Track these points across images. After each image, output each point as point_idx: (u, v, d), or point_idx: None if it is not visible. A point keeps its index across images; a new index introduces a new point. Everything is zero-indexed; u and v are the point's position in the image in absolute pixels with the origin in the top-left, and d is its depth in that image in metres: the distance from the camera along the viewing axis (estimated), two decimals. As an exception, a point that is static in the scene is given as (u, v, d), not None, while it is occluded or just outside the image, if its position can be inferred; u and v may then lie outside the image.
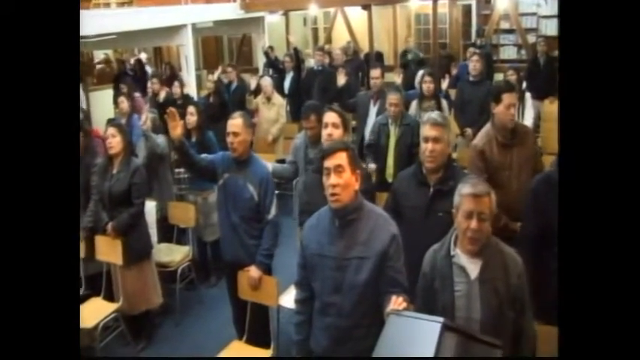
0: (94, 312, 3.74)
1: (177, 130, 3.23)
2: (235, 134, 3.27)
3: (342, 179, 2.15)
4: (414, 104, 5.37)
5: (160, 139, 4.76)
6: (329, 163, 2.17)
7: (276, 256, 3.39)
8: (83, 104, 6.90)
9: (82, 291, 3.98)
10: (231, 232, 3.37)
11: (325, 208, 2.30)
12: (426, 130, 2.72)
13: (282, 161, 4.90)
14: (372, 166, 4.45)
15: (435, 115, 2.82)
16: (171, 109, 3.27)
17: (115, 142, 3.82)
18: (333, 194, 2.15)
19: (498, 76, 8.11)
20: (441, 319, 1.69)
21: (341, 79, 5.81)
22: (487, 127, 3.35)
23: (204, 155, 3.57)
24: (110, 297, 3.90)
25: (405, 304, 1.92)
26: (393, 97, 4.44)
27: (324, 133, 3.20)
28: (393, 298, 1.95)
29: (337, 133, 3.17)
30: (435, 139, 2.69)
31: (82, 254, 3.96)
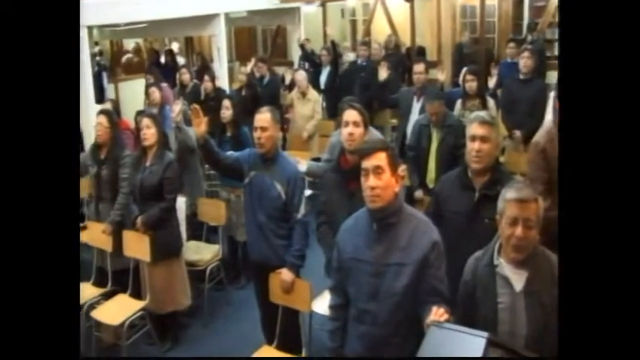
0: (120, 309, 3.86)
1: (201, 127, 3.30)
2: (263, 129, 3.32)
3: (381, 181, 2.15)
4: (458, 104, 5.33)
5: (192, 132, 4.85)
6: (367, 163, 2.17)
7: (308, 259, 3.42)
8: (112, 94, 7.08)
9: (108, 286, 4.12)
10: (258, 231, 3.43)
11: (363, 210, 2.31)
12: (473, 129, 2.70)
13: (317, 159, 4.96)
14: (404, 167, 4.44)
15: (483, 113, 2.81)
16: (195, 106, 3.34)
17: (150, 134, 3.93)
18: (372, 196, 2.17)
19: (551, 74, 7.97)
20: (486, 334, 1.69)
21: (382, 74, 5.82)
22: (548, 124, 3.24)
23: (230, 152, 3.65)
24: (137, 294, 4.02)
25: (446, 316, 1.90)
26: (431, 107, 4.38)
27: (345, 132, 3.17)
28: (434, 308, 1.93)
29: (358, 132, 3.16)
30: (483, 138, 2.67)
31: (110, 248, 4.11)
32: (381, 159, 2.17)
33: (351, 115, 3.18)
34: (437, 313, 1.90)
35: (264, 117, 3.35)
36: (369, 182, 2.16)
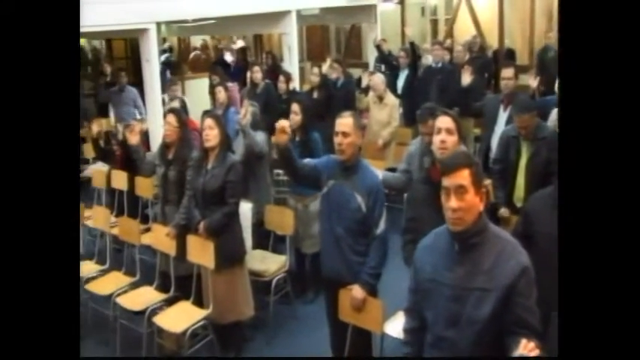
0: (182, 316, 4.02)
1: (283, 137, 3.34)
2: (345, 135, 3.36)
3: (464, 202, 2.10)
4: (553, 113, 5.17)
5: (260, 137, 4.97)
6: (449, 181, 2.13)
7: (383, 276, 3.45)
8: (179, 93, 7.37)
9: (171, 292, 4.30)
10: (334, 245, 3.47)
11: (442, 228, 2.28)
12: None
13: (392, 170, 4.97)
14: (488, 181, 4.37)
15: None
16: (282, 124, 3.32)
17: (212, 135, 4.06)
18: (452, 218, 2.13)
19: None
20: None
21: (465, 79, 5.77)
22: None
23: (307, 160, 3.70)
24: (200, 302, 4.17)
25: (537, 351, 1.83)
26: (520, 120, 4.22)
27: (437, 139, 3.19)
28: (523, 341, 1.88)
29: (451, 140, 3.16)
30: None
31: (173, 253, 4.30)
32: (464, 177, 2.12)
33: (444, 121, 3.19)
34: (526, 347, 1.84)
35: (346, 122, 3.39)
36: (451, 203, 2.11)
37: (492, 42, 10.31)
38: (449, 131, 3.16)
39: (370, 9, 10.29)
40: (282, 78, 6.96)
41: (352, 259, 3.43)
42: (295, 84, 8.13)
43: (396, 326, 3.33)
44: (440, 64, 7.38)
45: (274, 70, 8.72)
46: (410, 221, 3.25)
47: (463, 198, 2.10)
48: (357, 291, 3.34)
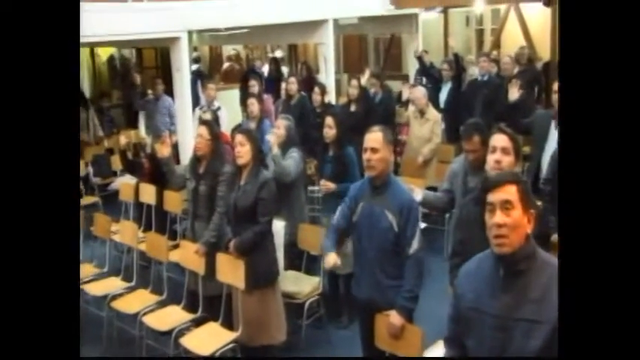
0: (210, 338, 4.08)
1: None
2: (374, 150, 3.39)
3: (510, 218, 2.08)
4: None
5: (294, 154, 4.95)
6: (494, 197, 2.12)
7: (420, 302, 3.45)
8: (216, 103, 7.52)
9: (199, 312, 4.37)
10: (365, 267, 3.50)
11: (487, 252, 2.24)
12: None
13: (433, 189, 4.97)
14: (538, 204, 4.33)
15: None
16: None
17: (244, 152, 4.12)
18: (498, 236, 2.09)
19: None
20: None
21: (513, 94, 5.75)
22: None
23: (342, 186, 3.70)
24: (229, 324, 4.23)
25: None
26: None
27: (491, 159, 3.18)
28: None
29: (507, 160, 3.15)
30: None
31: (202, 271, 4.38)
32: (510, 192, 2.11)
33: (500, 140, 3.18)
34: None
35: (375, 137, 3.44)
36: (495, 219, 2.09)
37: (543, 53, 10.24)
38: (505, 151, 3.14)
39: (411, 18, 10.33)
40: (317, 90, 7.03)
41: (385, 282, 3.45)
42: (331, 96, 8.21)
43: (435, 355, 3.32)
44: (486, 77, 7.37)
45: (309, 81, 8.82)
46: (458, 244, 3.23)
47: (509, 214, 2.08)
48: (394, 317, 3.35)
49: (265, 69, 10.79)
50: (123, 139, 6.19)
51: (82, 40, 6.71)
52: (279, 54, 11.94)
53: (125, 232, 5.41)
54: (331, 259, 3.45)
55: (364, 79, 7.50)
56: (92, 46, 10.53)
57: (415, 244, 3.36)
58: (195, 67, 10.90)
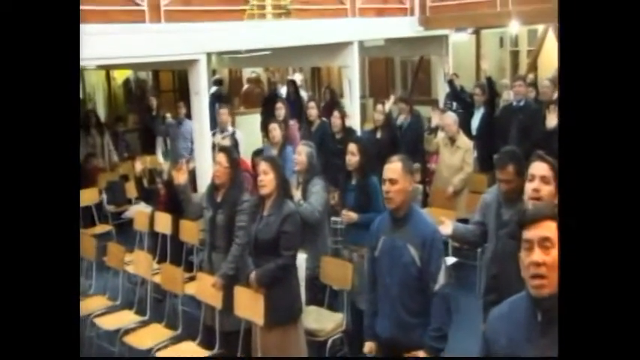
0: (227, 377, 4.11)
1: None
2: (392, 182, 3.43)
3: (549, 257, 2.01)
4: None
5: (317, 186, 4.93)
6: (531, 233, 2.06)
7: (452, 342, 3.45)
8: (230, 128, 7.63)
9: (215, 350, 4.40)
10: (388, 305, 3.52)
11: (521, 294, 2.19)
12: None
13: (464, 221, 4.97)
14: None
15: None
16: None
17: (267, 181, 4.17)
18: (535, 276, 2.03)
19: None
20: None
21: (552, 120, 5.76)
22: None
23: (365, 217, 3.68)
24: (247, 362, 4.25)
25: None
26: None
27: (529, 187, 3.16)
28: None
29: (546, 190, 3.12)
30: None
31: (219, 305, 4.42)
32: (549, 229, 2.02)
33: (540, 168, 3.15)
34: None
35: (393, 167, 3.48)
36: (533, 257, 2.02)
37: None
38: (544, 180, 3.12)
39: (441, 40, 10.40)
40: (336, 113, 7.07)
41: (409, 320, 3.45)
42: (353, 121, 8.24)
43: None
44: (522, 102, 7.34)
45: (333, 106, 8.86)
46: (492, 279, 3.23)
47: (549, 252, 2.00)
48: (422, 358, 3.35)
49: (283, 91, 10.91)
50: (138, 166, 6.31)
51: (98, 62, 6.97)
52: (297, 77, 12.05)
53: (139, 262, 5.49)
54: (369, 348, 3.55)
55: (388, 104, 7.50)
56: (108, 68, 10.77)
57: (441, 280, 3.37)
58: (214, 89, 11.05)
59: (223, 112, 7.69)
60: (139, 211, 6.75)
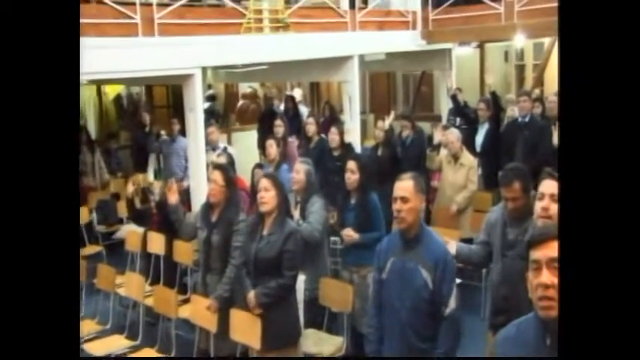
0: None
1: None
2: (404, 200, 3.42)
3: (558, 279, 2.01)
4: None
5: (316, 205, 4.94)
6: (540, 254, 2.06)
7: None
8: (224, 143, 7.66)
9: (210, 376, 4.40)
10: (395, 329, 3.50)
11: (529, 316, 2.19)
12: None
13: (468, 241, 4.98)
14: None
15: None
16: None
17: (269, 198, 4.19)
18: (544, 298, 2.03)
19: None
20: None
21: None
22: None
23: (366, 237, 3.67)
24: (242, 388, 4.25)
25: None
26: None
27: (539, 206, 3.17)
28: None
29: (556, 208, 3.16)
30: None
31: (214, 329, 4.41)
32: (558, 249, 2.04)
33: (550, 186, 3.17)
34: None
35: (405, 185, 3.47)
36: (542, 279, 2.02)
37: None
38: (554, 198, 3.12)
39: (444, 54, 10.46)
40: (334, 130, 7.07)
41: (417, 346, 3.44)
42: (353, 138, 8.26)
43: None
44: (527, 118, 7.36)
45: (332, 122, 8.87)
46: (502, 301, 3.22)
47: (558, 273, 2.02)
48: (427, 383, 3.35)
49: (281, 107, 10.92)
50: (130, 187, 6.29)
51: (89, 77, 7.00)
52: (297, 92, 12.08)
53: (131, 285, 5.48)
54: None
55: (388, 120, 7.49)
56: (99, 83, 10.79)
57: (452, 303, 3.37)
58: (207, 105, 11.06)
59: (212, 131, 7.71)
60: (130, 231, 6.74)
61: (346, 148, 7.09)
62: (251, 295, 4.17)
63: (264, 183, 4.25)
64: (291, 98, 10.94)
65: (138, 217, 6.32)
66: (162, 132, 9.12)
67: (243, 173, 7.04)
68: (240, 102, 12.96)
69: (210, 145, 7.58)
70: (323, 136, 7.65)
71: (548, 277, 2.01)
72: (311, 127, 7.62)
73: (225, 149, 7.47)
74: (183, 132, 8.08)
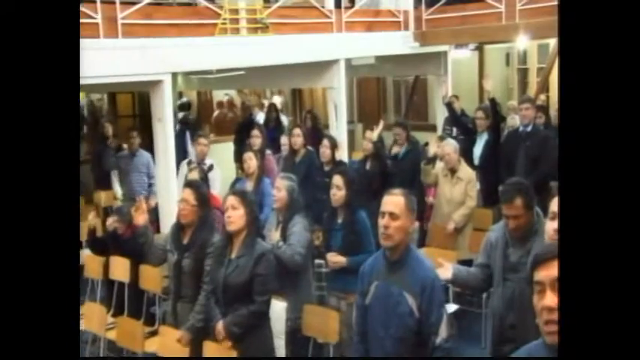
0: None
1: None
2: (393, 216, 3.42)
3: None
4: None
5: (297, 226, 4.90)
6: (543, 274, 2.08)
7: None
8: (208, 161, 7.61)
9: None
10: None
11: (537, 342, 2.20)
12: None
13: (467, 262, 4.99)
14: None
15: None
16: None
17: (236, 217, 4.19)
18: (550, 322, 2.04)
19: None
20: None
21: (565, 148, 5.82)
22: None
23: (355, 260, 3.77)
24: None
25: None
26: None
27: (550, 227, 3.18)
28: None
29: None
30: None
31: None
32: None
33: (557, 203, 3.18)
34: None
35: (395, 200, 3.48)
36: (546, 301, 2.04)
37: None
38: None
39: (439, 57, 10.52)
40: (325, 142, 7.07)
41: None
42: (340, 150, 8.24)
43: None
44: (530, 127, 7.36)
45: (315, 133, 8.88)
46: (509, 330, 3.22)
47: None
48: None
49: (261, 117, 10.91)
50: (91, 217, 6.16)
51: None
52: (277, 100, 12.07)
53: (90, 316, 5.41)
54: None
55: (377, 130, 7.44)
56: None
57: (443, 332, 3.37)
58: (181, 114, 11.03)
59: (203, 142, 7.67)
60: (89, 256, 6.61)
61: (336, 163, 7.05)
62: (219, 325, 4.16)
63: (231, 201, 4.25)
64: (274, 107, 10.92)
65: (99, 249, 6.18)
66: (125, 145, 9.07)
67: (222, 191, 6.99)
68: (217, 111, 12.96)
69: (197, 159, 7.54)
70: (310, 148, 7.63)
71: (553, 299, 2.01)
72: (298, 139, 7.58)
73: (211, 167, 7.39)
74: (148, 145, 8.02)
